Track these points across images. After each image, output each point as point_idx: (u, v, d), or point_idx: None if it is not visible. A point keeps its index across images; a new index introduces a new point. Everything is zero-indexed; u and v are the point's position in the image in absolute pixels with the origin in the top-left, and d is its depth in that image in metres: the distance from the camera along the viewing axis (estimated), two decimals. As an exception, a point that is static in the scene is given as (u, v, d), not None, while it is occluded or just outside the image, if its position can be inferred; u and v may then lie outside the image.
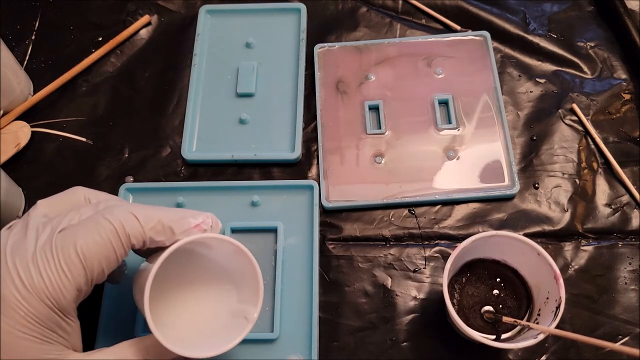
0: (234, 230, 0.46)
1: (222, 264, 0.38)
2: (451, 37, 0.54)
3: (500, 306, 0.42)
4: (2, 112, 0.51)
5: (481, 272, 0.43)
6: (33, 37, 0.57)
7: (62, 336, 0.31)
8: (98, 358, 0.32)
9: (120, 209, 0.32)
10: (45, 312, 0.29)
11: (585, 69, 0.53)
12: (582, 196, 0.48)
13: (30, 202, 0.49)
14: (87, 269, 0.30)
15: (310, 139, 0.51)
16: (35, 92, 0.53)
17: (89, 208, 0.33)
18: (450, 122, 0.50)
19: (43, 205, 0.33)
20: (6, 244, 0.30)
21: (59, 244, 0.30)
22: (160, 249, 0.34)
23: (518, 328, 0.41)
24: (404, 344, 0.44)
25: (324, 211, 0.48)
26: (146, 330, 0.37)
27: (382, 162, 0.49)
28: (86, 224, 0.31)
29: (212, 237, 0.34)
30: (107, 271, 0.31)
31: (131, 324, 0.43)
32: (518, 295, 0.42)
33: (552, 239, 0.47)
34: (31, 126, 0.52)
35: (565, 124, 0.51)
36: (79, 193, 0.35)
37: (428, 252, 0.46)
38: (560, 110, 0.51)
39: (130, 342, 0.33)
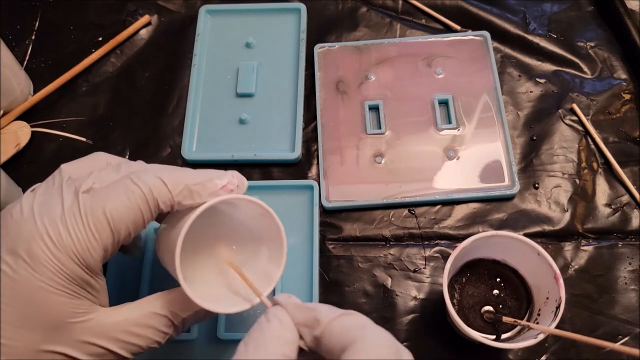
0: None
1: (247, 223, 0.38)
2: (451, 37, 0.54)
3: (500, 306, 0.42)
4: (2, 112, 0.51)
5: (481, 272, 0.43)
6: (33, 37, 0.57)
7: (91, 293, 0.32)
8: (126, 311, 0.33)
9: (147, 173, 0.32)
10: (74, 269, 0.30)
11: (585, 69, 0.53)
12: (582, 196, 0.48)
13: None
14: (115, 231, 0.31)
15: (310, 139, 0.51)
16: (35, 92, 0.53)
17: (110, 170, 0.34)
18: (450, 122, 0.50)
19: (66, 169, 0.34)
20: (32, 203, 0.31)
21: (88, 205, 0.30)
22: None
23: (518, 328, 0.41)
24: (404, 344, 0.43)
25: (324, 211, 0.48)
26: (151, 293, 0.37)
27: (382, 162, 0.49)
28: (115, 188, 0.31)
29: (239, 197, 0.34)
30: (133, 234, 0.32)
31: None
32: (518, 295, 0.42)
33: (552, 239, 0.47)
34: (31, 126, 0.52)
35: (565, 124, 0.51)
36: (101, 158, 0.36)
37: (428, 252, 0.46)
38: (560, 110, 0.51)
39: (155, 296, 0.34)
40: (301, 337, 0.29)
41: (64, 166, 0.34)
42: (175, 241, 0.32)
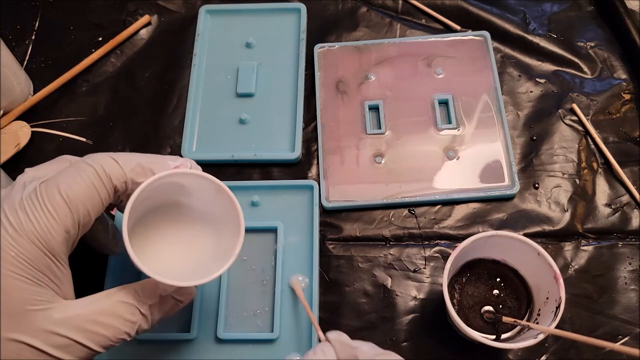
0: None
1: (204, 209, 0.39)
2: (451, 37, 0.54)
3: (500, 306, 0.42)
4: (2, 112, 0.51)
5: (481, 272, 0.43)
6: (33, 37, 0.57)
7: (54, 281, 0.31)
8: (90, 301, 0.33)
9: (100, 154, 0.34)
10: (36, 253, 0.30)
11: (585, 69, 0.53)
12: (582, 196, 0.48)
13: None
14: (73, 210, 0.31)
15: (310, 139, 0.51)
16: (35, 92, 0.53)
17: (70, 165, 0.35)
18: (450, 122, 0.50)
19: (30, 172, 0.35)
20: None
21: (43, 189, 0.31)
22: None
23: (518, 328, 0.41)
24: (404, 344, 0.44)
25: (324, 211, 0.48)
26: None
27: (382, 162, 0.49)
28: (68, 170, 0.33)
29: (190, 172, 0.35)
30: (92, 214, 0.33)
31: None
32: (518, 295, 0.42)
33: (552, 239, 0.47)
34: (31, 126, 0.52)
35: (565, 124, 0.51)
36: (65, 160, 0.37)
37: (428, 252, 0.46)
38: (560, 110, 0.51)
39: (121, 286, 0.34)
40: None
41: (28, 169, 0.35)
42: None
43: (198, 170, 0.37)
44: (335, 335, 0.34)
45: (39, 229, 0.30)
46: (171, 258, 0.39)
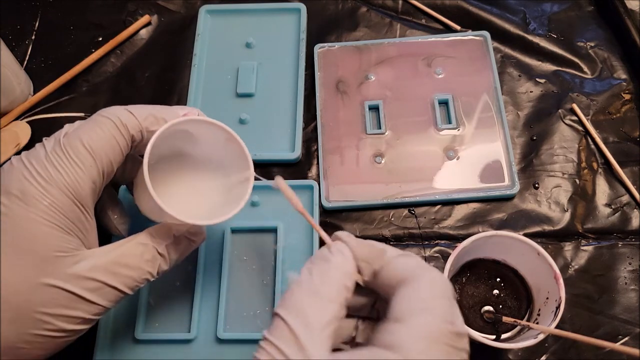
0: (234, 231, 0.46)
1: (211, 157, 0.40)
2: (451, 37, 0.54)
3: (500, 306, 0.42)
4: (2, 112, 0.51)
5: (481, 272, 0.43)
6: (33, 37, 0.57)
7: (81, 231, 0.33)
8: (113, 246, 0.34)
9: (114, 107, 0.36)
10: (67, 202, 0.32)
11: (585, 69, 0.53)
12: (582, 196, 0.48)
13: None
14: (97, 160, 0.33)
15: (310, 139, 0.51)
16: (35, 92, 0.53)
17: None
18: (450, 122, 0.50)
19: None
20: (20, 155, 0.33)
21: (67, 142, 0.33)
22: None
23: (518, 328, 0.41)
24: (404, 344, 0.43)
25: (324, 211, 0.48)
26: None
27: (382, 162, 0.49)
28: (87, 123, 0.34)
29: (201, 120, 0.37)
30: (114, 164, 0.34)
31: None
32: (518, 295, 0.42)
33: (552, 239, 0.47)
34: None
35: (565, 124, 0.51)
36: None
37: (428, 252, 0.46)
38: (560, 110, 0.51)
39: (138, 233, 0.36)
40: (359, 272, 0.31)
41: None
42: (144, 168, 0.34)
43: (203, 114, 0.38)
44: (346, 236, 0.32)
45: (68, 179, 0.32)
46: (182, 204, 0.39)
